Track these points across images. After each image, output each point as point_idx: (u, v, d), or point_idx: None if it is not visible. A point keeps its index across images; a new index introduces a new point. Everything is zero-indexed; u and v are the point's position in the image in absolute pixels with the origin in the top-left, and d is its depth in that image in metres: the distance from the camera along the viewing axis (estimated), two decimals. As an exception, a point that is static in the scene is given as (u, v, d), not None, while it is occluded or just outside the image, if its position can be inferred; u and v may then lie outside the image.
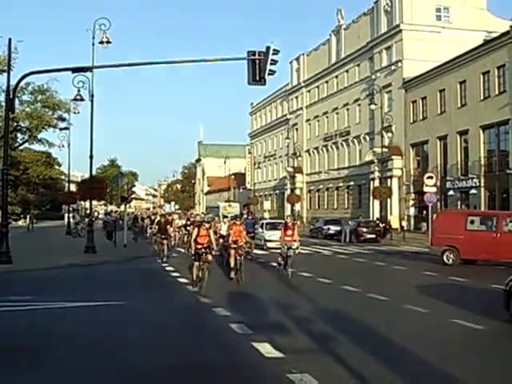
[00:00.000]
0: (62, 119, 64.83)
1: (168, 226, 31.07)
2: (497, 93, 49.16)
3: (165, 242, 29.49)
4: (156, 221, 36.39)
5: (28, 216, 68.05)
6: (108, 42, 30.73)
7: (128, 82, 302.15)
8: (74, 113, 59.17)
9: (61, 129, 60.51)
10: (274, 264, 24.21)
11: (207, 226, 20.00)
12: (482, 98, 50.99)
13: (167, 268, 25.52)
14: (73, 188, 67.88)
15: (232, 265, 21.58)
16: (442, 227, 28.61)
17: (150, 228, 40.98)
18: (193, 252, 19.14)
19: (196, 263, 18.58)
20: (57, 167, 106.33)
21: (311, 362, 9.61)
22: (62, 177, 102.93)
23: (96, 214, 67.81)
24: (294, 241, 22.61)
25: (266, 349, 10.41)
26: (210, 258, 18.87)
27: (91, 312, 14.62)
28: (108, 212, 63.72)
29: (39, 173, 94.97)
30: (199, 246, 18.73)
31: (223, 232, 27.26)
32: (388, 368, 9.11)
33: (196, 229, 19.31)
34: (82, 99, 32.31)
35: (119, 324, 13.14)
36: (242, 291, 18.62)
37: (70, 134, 57.32)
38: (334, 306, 15.67)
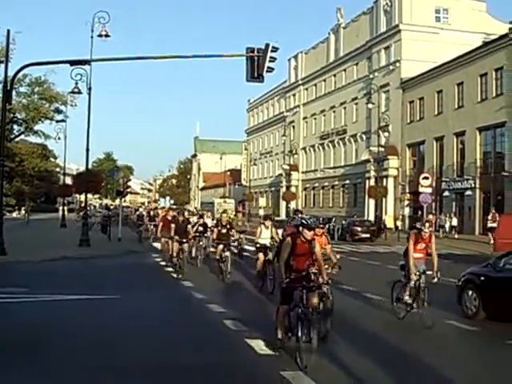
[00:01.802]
0: (59, 111, 64.92)
1: (189, 226, 23.55)
2: (494, 95, 49.19)
3: (185, 246, 22.32)
4: (161, 216, 31.80)
5: (23, 208, 67.89)
6: (107, 36, 30.65)
7: (125, 76, 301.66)
8: (71, 105, 59.36)
9: (57, 121, 60.49)
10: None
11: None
12: (479, 99, 51.02)
13: (161, 263, 25.49)
14: (68, 181, 67.94)
15: None
16: (507, 231, 25.54)
17: (150, 225, 39.38)
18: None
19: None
20: (52, 159, 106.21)
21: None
22: (58, 169, 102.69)
23: (92, 207, 67.75)
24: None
25: (260, 346, 10.44)
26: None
27: (85, 306, 14.61)
28: (107, 206, 63.32)
29: (35, 165, 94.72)
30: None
31: (262, 241, 18.96)
32: (382, 366, 9.14)
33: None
34: (79, 92, 32.20)
35: (113, 318, 13.13)
36: (238, 289, 18.63)
37: (66, 127, 57.34)
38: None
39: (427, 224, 13.82)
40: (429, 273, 13.38)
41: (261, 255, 18.45)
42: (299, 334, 9.33)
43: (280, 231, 23.14)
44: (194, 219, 30.88)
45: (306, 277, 10.29)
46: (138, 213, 47.45)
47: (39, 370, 8.80)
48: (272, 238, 18.71)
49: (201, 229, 26.78)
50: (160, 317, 13.43)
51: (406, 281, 13.55)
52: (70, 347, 10.22)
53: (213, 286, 18.45)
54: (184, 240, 22.11)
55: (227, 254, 20.22)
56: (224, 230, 21.19)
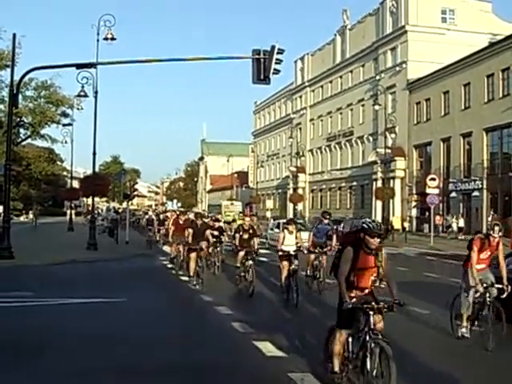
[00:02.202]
0: (66, 115, 64.91)
1: (208, 231, 20.86)
2: (501, 96, 49.11)
3: (202, 253, 20.08)
4: (172, 220, 28.59)
5: (31, 212, 67.96)
6: (113, 39, 30.67)
7: (132, 79, 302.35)
8: (78, 109, 59.35)
9: (64, 125, 60.52)
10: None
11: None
12: (485, 100, 50.94)
13: (168, 266, 25.48)
14: (75, 184, 68.03)
15: None
16: None
17: (160, 230, 37.26)
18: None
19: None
20: (59, 163, 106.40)
21: (312, 361, 9.60)
22: (65, 173, 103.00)
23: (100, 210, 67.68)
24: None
25: (268, 348, 10.43)
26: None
27: (92, 309, 14.58)
28: (116, 210, 63.27)
29: (41, 169, 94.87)
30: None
31: (286, 248, 16.99)
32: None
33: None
34: (85, 95, 32.22)
35: (120, 321, 13.12)
36: (264, 302, 18.02)
37: (73, 130, 57.30)
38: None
39: (496, 228, 11.56)
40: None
41: (285, 264, 16.45)
42: (368, 366, 7.70)
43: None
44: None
45: (372, 295, 8.40)
46: (147, 217, 42.64)
47: (41, 371, 8.78)
48: (297, 244, 17.09)
49: (216, 233, 24.24)
50: (167, 319, 13.44)
51: (466, 295, 11.73)
52: (73, 349, 10.20)
53: (235, 299, 18.06)
54: (203, 245, 19.85)
55: (251, 262, 17.77)
56: (246, 236, 19.19)
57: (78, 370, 8.88)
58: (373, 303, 7.94)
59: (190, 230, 20.25)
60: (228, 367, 9.35)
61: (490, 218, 46.10)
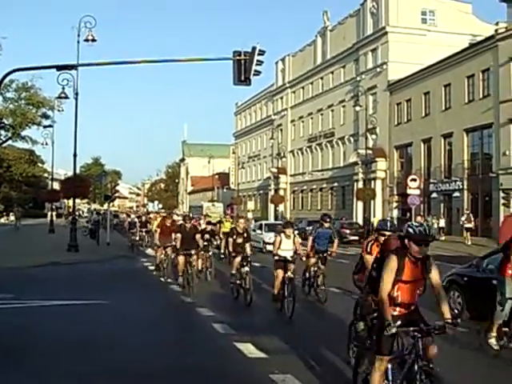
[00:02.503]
0: (46, 117, 64.67)
1: (198, 236, 19.62)
2: (481, 96, 49.33)
3: (193, 259, 19.06)
4: (158, 222, 27.23)
5: (12, 214, 67.47)
6: (93, 40, 30.66)
7: (113, 81, 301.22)
8: (58, 110, 59.04)
9: (45, 126, 60.28)
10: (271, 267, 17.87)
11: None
12: (466, 101, 51.15)
13: (150, 267, 25.41)
14: (56, 186, 67.65)
15: None
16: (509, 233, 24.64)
17: (142, 231, 36.74)
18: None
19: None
20: (40, 165, 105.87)
21: (294, 362, 9.62)
22: (46, 175, 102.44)
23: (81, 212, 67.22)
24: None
25: (249, 349, 10.43)
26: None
27: (72, 311, 14.53)
28: (98, 211, 63.02)
29: (22, 170, 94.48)
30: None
31: (283, 253, 15.62)
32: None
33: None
34: (66, 97, 32.11)
35: (102, 324, 13.06)
36: (227, 293, 18.28)
37: (53, 132, 57.04)
38: (318, 307, 15.68)
39: None
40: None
41: (280, 271, 15.17)
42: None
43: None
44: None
45: (418, 314, 7.29)
46: (129, 220, 40.67)
47: (24, 374, 8.73)
48: (295, 250, 15.71)
49: (207, 236, 22.97)
50: (149, 321, 13.42)
51: (501, 308, 10.70)
52: (54, 352, 10.19)
53: (203, 291, 18.17)
54: (192, 251, 18.74)
55: (247, 269, 16.51)
56: (240, 240, 17.60)
57: (58, 373, 8.86)
58: (421, 325, 6.89)
59: (179, 235, 19.00)
60: (209, 369, 9.35)
61: (464, 218, 46.68)
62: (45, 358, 9.74)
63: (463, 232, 46.06)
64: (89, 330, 12.25)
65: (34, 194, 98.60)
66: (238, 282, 16.95)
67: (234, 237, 17.77)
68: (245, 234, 17.84)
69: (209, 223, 26.43)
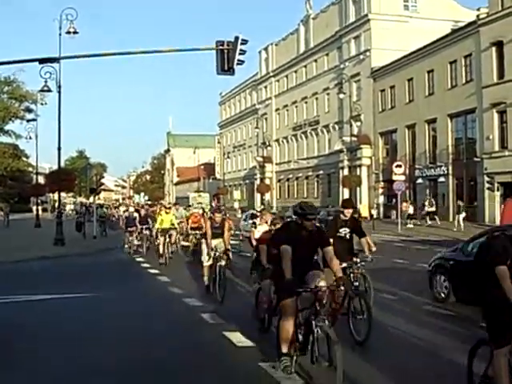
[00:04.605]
0: (29, 110, 64.63)
1: (227, 225, 16.22)
2: (464, 82, 49.53)
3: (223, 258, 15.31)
4: (160, 215, 25.78)
5: (2, 210, 66.89)
6: (75, 33, 30.53)
7: (96, 73, 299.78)
8: (42, 104, 58.96)
9: (28, 120, 60.08)
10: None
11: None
12: (449, 86, 51.35)
13: (137, 259, 25.40)
14: (41, 180, 67.36)
15: None
16: (511, 216, 24.08)
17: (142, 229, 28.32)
18: None
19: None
20: (24, 159, 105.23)
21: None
22: (30, 169, 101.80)
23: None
24: None
25: (238, 338, 10.46)
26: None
27: (60, 305, 14.47)
28: (85, 204, 62.63)
29: (6, 165, 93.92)
30: None
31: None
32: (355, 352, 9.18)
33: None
34: (49, 90, 31.92)
35: (89, 317, 13.01)
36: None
37: (37, 126, 56.63)
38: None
39: None
40: None
41: None
42: None
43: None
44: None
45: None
46: (126, 214, 31.81)
47: (9, 369, 8.72)
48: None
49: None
50: (137, 313, 13.38)
51: None
52: (42, 346, 10.17)
53: (191, 281, 18.16)
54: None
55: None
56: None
57: (47, 367, 8.85)
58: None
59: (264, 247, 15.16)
60: (199, 358, 9.40)
61: (427, 202, 47.77)
62: (32, 353, 9.70)
63: (425, 217, 47.26)
64: (76, 322, 12.25)
65: (19, 188, 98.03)
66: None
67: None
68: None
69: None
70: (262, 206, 56.71)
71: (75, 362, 9.13)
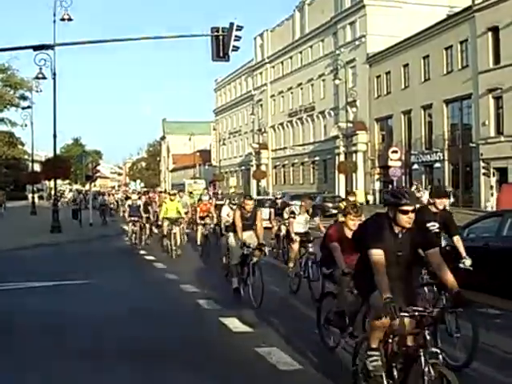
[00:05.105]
0: (24, 98, 64.31)
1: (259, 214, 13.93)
2: (460, 67, 49.51)
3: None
4: (164, 202, 24.09)
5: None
6: (69, 19, 30.41)
7: (91, 60, 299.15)
8: (37, 91, 58.67)
9: (23, 108, 59.89)
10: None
11: None
12: (445, 72, 51.32)
13: (140, 250, 25.31)
14: (37, 168, 67.26)
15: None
16: (507, 201, 23.98)
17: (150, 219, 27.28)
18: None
19: None
20: (20, 147, 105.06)
21: (279, 335, 9.70)
22: (26, 156, 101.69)
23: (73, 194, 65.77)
24: None
25: (235, 324, 10.50)
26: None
27: (57, 292, 14.48)
28: (81, 191, 62.34)
29: (2, 153, 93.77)
30: None
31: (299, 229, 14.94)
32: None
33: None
34: (44, 77, 31.88)
35: (86, 303, 13.04)
36: (211, 268, 18.25)
37: (32, 113, 56.41)
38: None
39: None
40: None
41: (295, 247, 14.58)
42: None
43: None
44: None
45: None
46: (129, 203, 27.83)
47: (5, 356, 8.75)
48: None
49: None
50: (133, 299, 13.39)
51: None
52: (40, 332, 10.18)
53: (187, 268, 18.22)
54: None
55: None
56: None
57: (40, 353, 8.88)
58: None
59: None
60: (195, 344, 9.40)
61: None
62: (29, 339, 9.71)
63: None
64: (73, 309, 12.25)
65: (15, 176, 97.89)
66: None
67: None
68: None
69: None
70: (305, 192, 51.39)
71: (74, 345, 9.15)
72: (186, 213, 25.88)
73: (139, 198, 28.16)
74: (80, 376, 7.80)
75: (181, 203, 23.90)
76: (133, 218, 25.27)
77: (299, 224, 14.10)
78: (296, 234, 14.63)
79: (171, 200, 23.00)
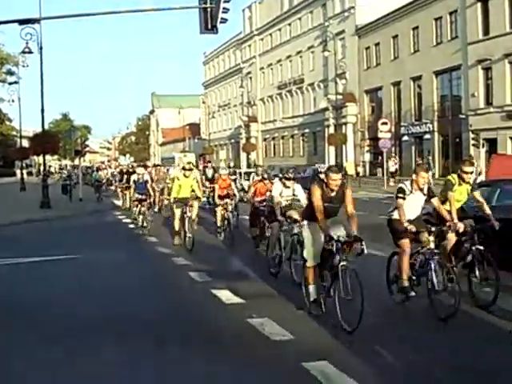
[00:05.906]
0: (11, 73, 63.82)
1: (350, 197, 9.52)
2: (449, 38, 49.42)
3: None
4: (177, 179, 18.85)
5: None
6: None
7: (79, 34, 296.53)
8: (23, 66, 58.21)
9: (10, 83, 59.52)
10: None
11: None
12: (434, 43, 51.23)
13: (124, 220, 25.35)
14: (25, 144, 66.90)
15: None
16: (497, 172, 22.86)
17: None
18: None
19: None
20: (7, 123, 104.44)
21: (271, 306, 9.72)
22: (14, 132, 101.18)
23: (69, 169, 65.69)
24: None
25: (226, 295, 10.51)
26: None
27: (45, 266, 14.40)
28: (74, 166, 62.00)
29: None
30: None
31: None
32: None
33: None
34: (30, 52, 31.53)
35: (76, 277, 13.01)
36: (203, 241, 17.77)
37: (19, 89, 56.06)
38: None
39: None
40: None
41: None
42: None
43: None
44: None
45: None
46: (134, 177, 22.83)
47: None
48: None
49: None
50: (124, 272, 13.42)
51: None
52: (30, 309, 10.10)
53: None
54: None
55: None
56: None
57: (30, 329, 8.85)
58: None
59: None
60: (187, 316, 9.44)
61: (390, 162, 47.09)
62: (19, 316, 9.66)
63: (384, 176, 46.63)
64: (63, 283, 12.30)
65: (3, 152, 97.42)
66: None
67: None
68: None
69: None
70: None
71: (65, 319, 9.13)
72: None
73: (126, 173, 25.89)
74: (68, 350, 7.76)
75: (195, 180, 19.86)
76: (140, 197, 21.69)
77: (410, 207, 9.93)
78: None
79: (185, 176, 18.31)
